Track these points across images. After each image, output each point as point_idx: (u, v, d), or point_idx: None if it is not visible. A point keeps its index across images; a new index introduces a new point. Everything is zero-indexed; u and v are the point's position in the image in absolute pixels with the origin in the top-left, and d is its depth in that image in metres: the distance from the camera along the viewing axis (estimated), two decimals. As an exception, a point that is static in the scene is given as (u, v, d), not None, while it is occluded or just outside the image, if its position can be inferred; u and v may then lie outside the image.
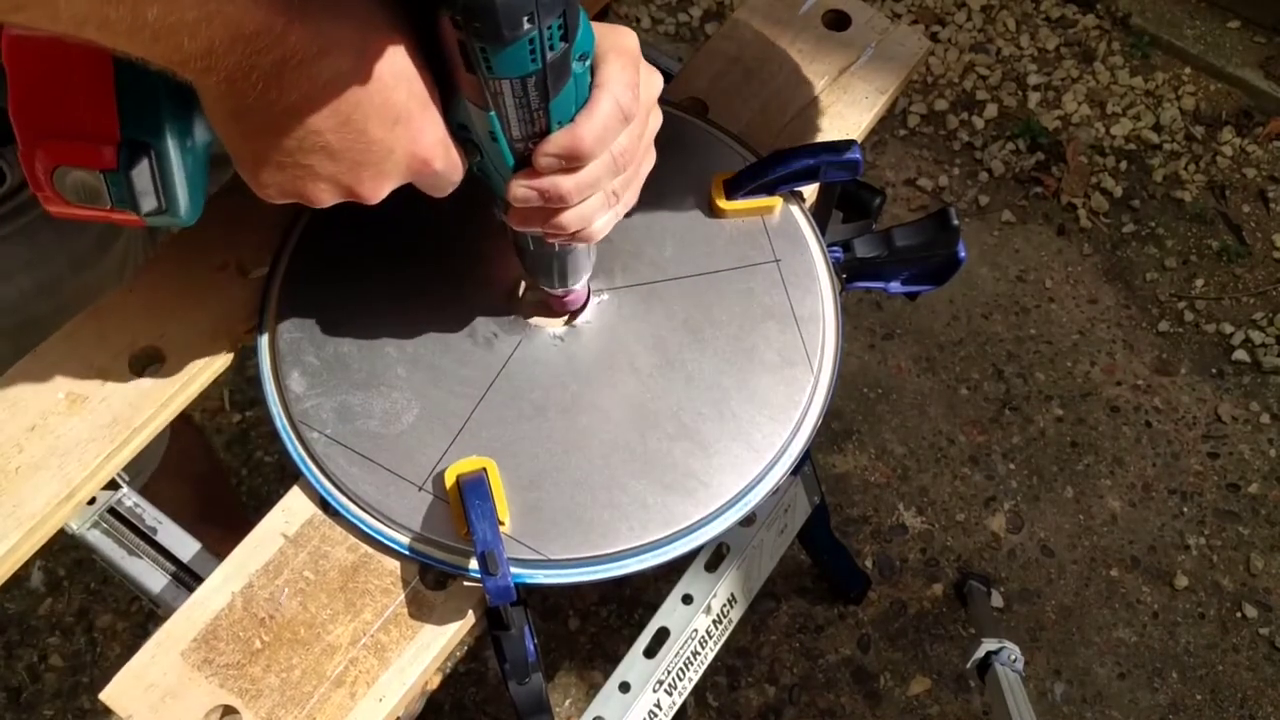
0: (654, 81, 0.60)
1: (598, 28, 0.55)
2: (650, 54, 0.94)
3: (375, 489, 0.67)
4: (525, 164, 0.57)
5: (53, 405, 0.70)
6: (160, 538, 0.74)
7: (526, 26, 0.48)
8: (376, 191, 0.57)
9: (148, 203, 0.56)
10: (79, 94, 0.53)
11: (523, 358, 0.72)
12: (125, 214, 0.56)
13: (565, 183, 0.58)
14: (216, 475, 1.40)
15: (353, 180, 0.55)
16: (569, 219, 0.60)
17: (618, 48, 0.57)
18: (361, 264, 0.75)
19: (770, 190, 0.76)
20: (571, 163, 0.57)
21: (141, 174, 0.54)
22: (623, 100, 0.57)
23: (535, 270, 0.68)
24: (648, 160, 0.63)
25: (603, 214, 0.62)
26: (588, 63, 0.55)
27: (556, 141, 0.56)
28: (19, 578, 1.54)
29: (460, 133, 0.57)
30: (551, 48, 0.51)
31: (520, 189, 0.58)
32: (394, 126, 0.53)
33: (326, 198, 0.56)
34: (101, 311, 0.74)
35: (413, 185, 0.59)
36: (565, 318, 0.73)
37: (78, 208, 0.56)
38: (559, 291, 0.70)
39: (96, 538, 0.73)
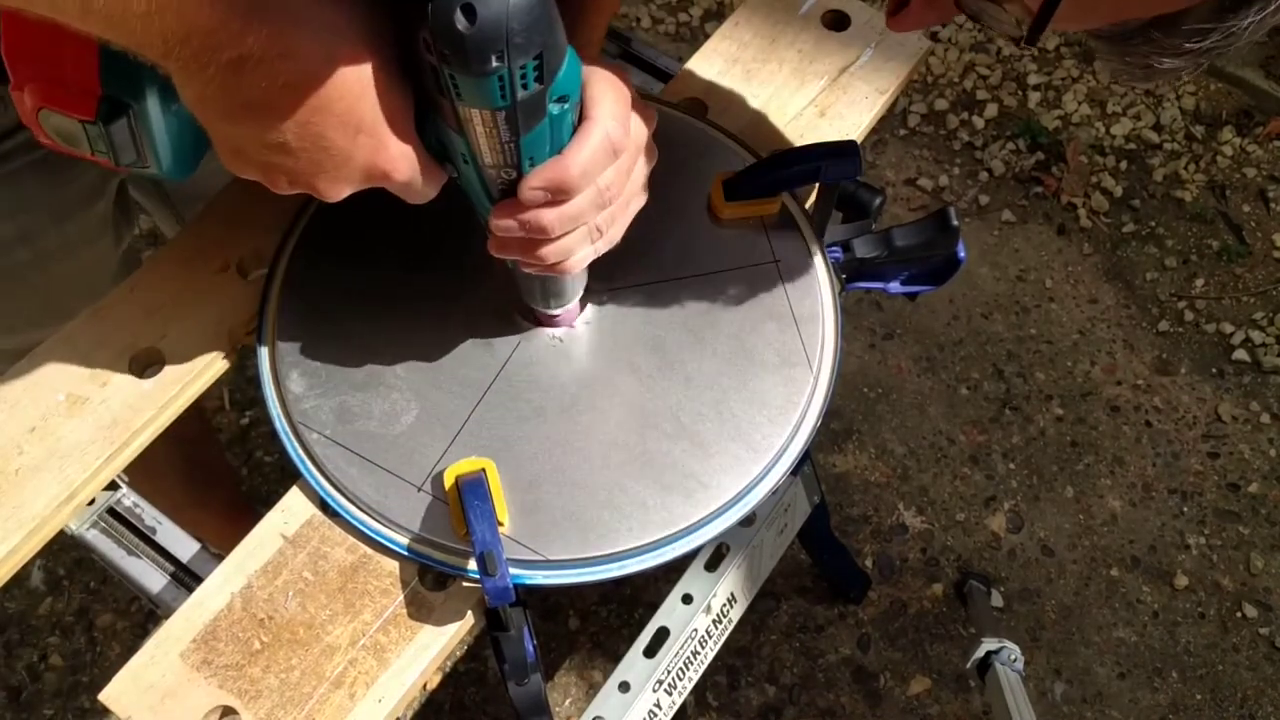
0: (647, 120, 0.60)
1: (591, 67, 0.55)
2: (650, 54, 0.94)
3: (374, 490, 0.67)
4: (503, 193, 0.57)
5: (53, 407, 0.70)
6: (159, 538, 0.74)
7: (495, 64, 0.48)
8: (333, 193, 0.56)
9: (126, 156, 0.57)
10: (65, 44, 0.53)
11: (522, 358, 0.72)
12: (102, 160, 0.58)
13: (548, 215, 0.57)
14: (206, 439, 1.40)
15: (310, 180, 0.55)
16: (548, 252, 0.60)
17: (610, 82, 0.57)
18: (361, 265, 0.75)
19: (770, 191, 0.76)
20: (557, 195, 0.56)
21: (120, 130, 0.56)
22: (612, 133, 0.56)
23: (523, 290, 0.68)
24: (637, 200, 0.63)
25: (583, 248, 0.61)
26: (568, 105, 0.54)
27: (541, 173, 0.55)
28: (19, 577, 1.54)
29: (438, 149, 0.57)
30: (524, 87, 0.50)
31: (501, 220, 0.58)
32: (356, 135, 0.53)
33: (285, 188, 0.56)
34: (102, 313, 0.74)
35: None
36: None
37: (59, 147, 0.57)
38: (549, 310, 0.70)
39: (95, 537, 0.74)
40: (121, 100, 0.55)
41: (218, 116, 0.51)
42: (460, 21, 0.46)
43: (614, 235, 0.63)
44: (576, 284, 0.69)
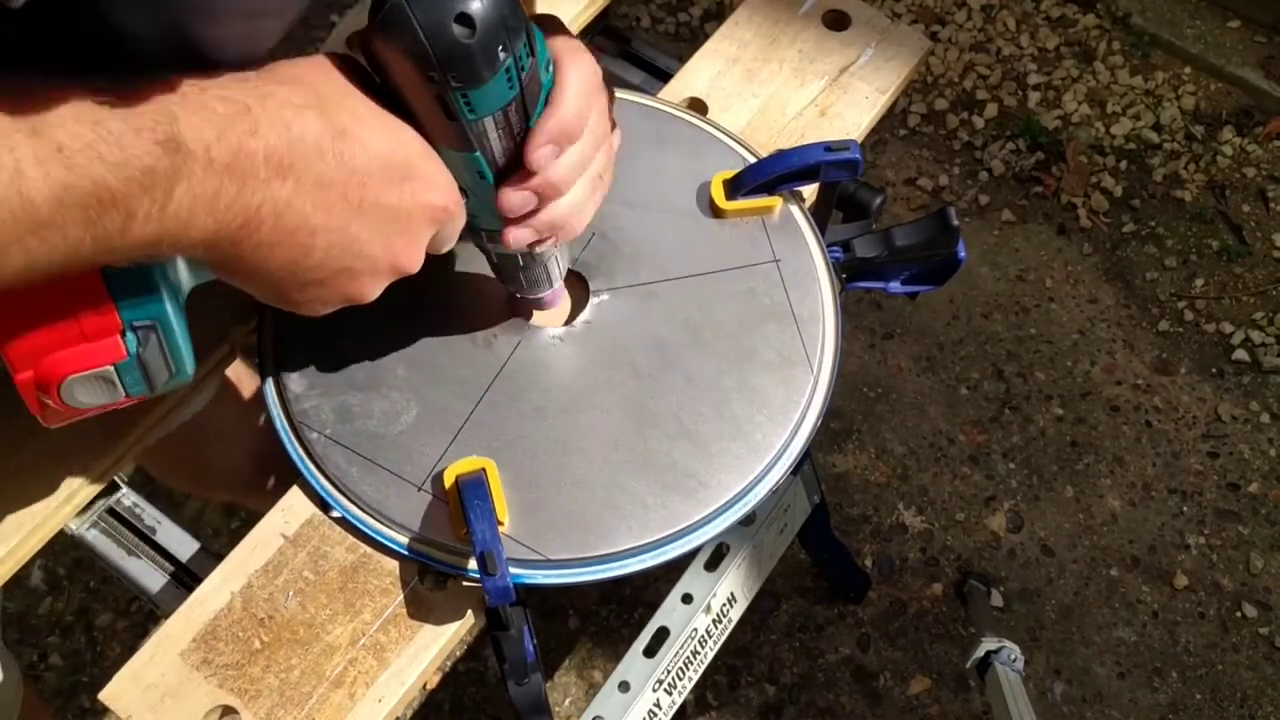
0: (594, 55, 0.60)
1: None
2: (650, 54, 0.94)
3: (374, 489, 0.67)
4: (510, 173, 0.56)
5: (52, 405, 0.70)
6: (159, 538, 0.74)
7: (502, 56, 0.48)
8: (415, 257, 0.55)
9: (161, 376, 0.53)
10: (68, 300, 0.49)
11: (522, 358, 0.71)
12: (135, 398, 0.54)
13: (556, 171, 0.56)
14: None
15: (391, 256, 0.54)
16: (562, 212, 0.59)
17: (559, 30, 0.57)
18: (361, 264, 0.75)
19: (770, 190, 0.76)
20: (563, 143, 0.56)
21: (152, 352, 0.52)
22: (589, 74, 0.56)
23: (508, 279, 0.68)
24: (615, 136, 0.62)
25: (591, 200, 0.61)
26: (551, 68, 0.55)
27: (542, 130, 0.55)
28: (19, 577, 1.53)
29: None
30: (523, 69, 0.50)
31: (515, 194, 0.56)
32: (403, 184, 0.52)
33: (373, 288, 0.55)
34: (101, 311, 0.74)
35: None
36: (565, 318, 0.73)
37: (81, 411, 0.53)
38: (534, 295, 0.69)
39: (95, 537, 0.74)
40: (143, 321, 0.51)
41: (281, 264, 0.50)
42: (460, 32, 0.46)
43: (609, 179, 0.62)
44: (564, 260, 0.69)
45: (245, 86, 0.46)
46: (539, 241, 0.61)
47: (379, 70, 0.52)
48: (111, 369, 0.51)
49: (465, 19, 0.46)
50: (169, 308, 0.52)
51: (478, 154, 0.54)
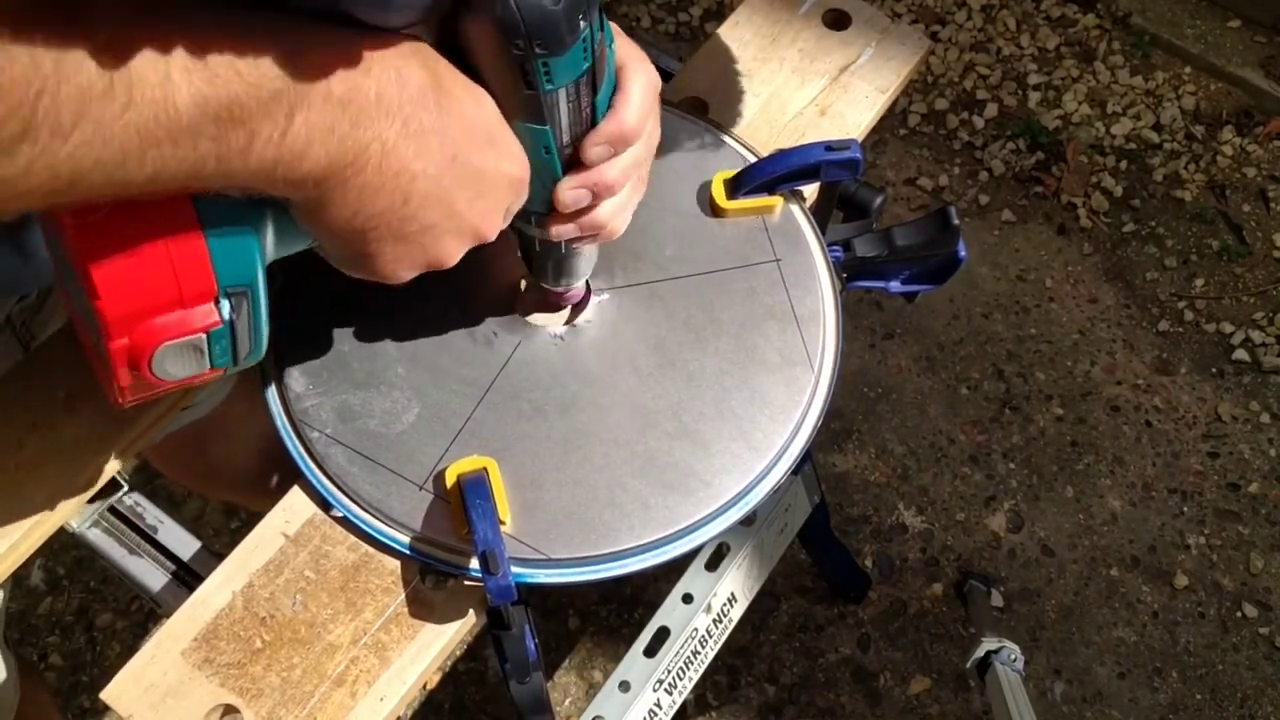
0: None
1: None
2: (650, 54, 0.94)
3: (376, 488, 0.67)
4: (569, 168, 0.58)
5: (53, 403, 0.70)
6: (160, 537, 0.74)
7: (583, 25, 0.50)
8: (495, 223, 0.57)
9: (244, 348, 0.53)
10: (167, 261, 0.48)
11: (523, 357, 0.72)
12: (215, 371, 0.53)
13: (612, 171, 0.59)
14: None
15: (476, 217, 0.55)
16: (608, 211, 0.61)
17: (614, 27, 0.59)
18: (362, 263, 0.75)
19: (771, 189, 0.76)
20: (620, 148, 0.58)
21: (242, 320, 0.52)
22: (652, 77, 0.59)
23: (541, 269, 0.69)
24: (657, 138, 0.64)
25: (634, 199, 0.63)
26: (613, 45, 0.57)
27: (605, 131, 0.57)
28: (19, 576, 1.54)
29: None
30: (595, 40, 0.52)
31: (571, 191, 0.58)
32: (488, 148, 0.53)
33: (456, 250, 0.56)
34: (102, 311, 0.74)
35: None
36: (566, 317, 0.73)
37: (161, 385, 0.52)
38: (561, 288, 0.70)
39: (97, 536, 0.74)
40: (237, 287, 0.50)
41: (374, 213, 0.51)
42: (548, 2, 0.49)
43: (647, 180, 0.64)
44: (593, 254, 0.70)
45: (359, 34, 0.48)
46: (580, 239, 0.63)
47: (459, 49, 0.53)
48: (204, 337, 0.51)
49: None
50: (259, 275, 0.52)
51: (548, 128, 0.55)
